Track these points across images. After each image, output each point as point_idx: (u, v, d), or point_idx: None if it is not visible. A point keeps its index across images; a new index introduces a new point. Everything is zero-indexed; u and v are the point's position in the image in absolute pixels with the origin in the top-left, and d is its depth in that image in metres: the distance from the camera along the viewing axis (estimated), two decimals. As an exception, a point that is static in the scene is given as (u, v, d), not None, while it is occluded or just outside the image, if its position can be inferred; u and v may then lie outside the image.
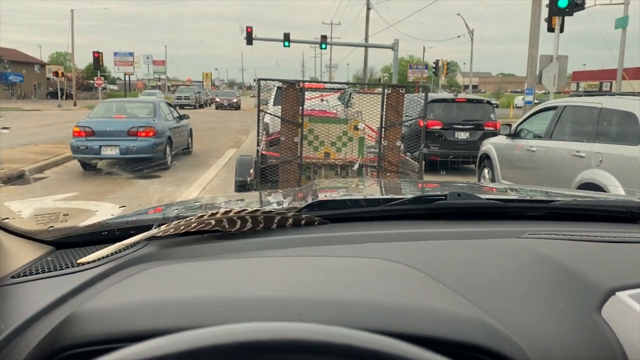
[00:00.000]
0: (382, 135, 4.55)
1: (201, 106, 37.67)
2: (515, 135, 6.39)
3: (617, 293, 0.70)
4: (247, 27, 21.27)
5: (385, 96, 4.54)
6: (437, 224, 1.07)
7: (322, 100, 5.24)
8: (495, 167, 6.75)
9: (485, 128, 9.98)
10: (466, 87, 59.11)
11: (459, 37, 33.15)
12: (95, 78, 32.49)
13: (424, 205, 1.13)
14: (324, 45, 23.17)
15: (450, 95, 10.89)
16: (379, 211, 1.13)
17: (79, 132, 8.64)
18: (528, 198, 1.49)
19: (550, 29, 12.56)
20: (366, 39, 29.46)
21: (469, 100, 10.50)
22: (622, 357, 0.62)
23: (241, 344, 0.37)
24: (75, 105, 31.12)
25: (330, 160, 4.70)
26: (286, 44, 21.86)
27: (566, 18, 12.34)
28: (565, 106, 5.49)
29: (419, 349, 0.40)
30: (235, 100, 34.89)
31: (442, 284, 0.73)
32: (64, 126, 11.39)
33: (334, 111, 5.11)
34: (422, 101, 5.50)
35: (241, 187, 5.05)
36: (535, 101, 13.95)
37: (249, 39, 21.60)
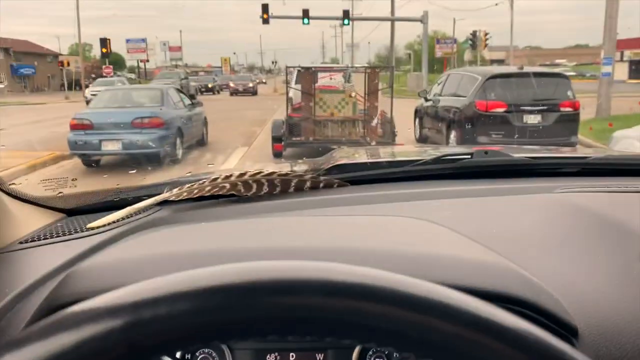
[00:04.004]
0: (366, 99, 7.33)
1: (207, 91, 33.90)
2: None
3: None
4: (262, 4, 19.37)
5: (367, 74, 7.35)
6: (462, 183, 1.00)
7: (330, 78, 7.60)
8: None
9: (562, 109, 7.97)
10: (493, 61, 56.09)
11: (497, 5, 30.22)
12: (104, 66, 30.23)
13: (450, 165, 1.09)
14: (346, 21, 21.15)
15: (513, 68, 8.77)
16: (401, 172, 1.08)
17: (77, 124, 7.31)
18: (559, 155, 1.42)
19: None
20: (392, 12, 27.06)
21: (540, 74, 8.48)
22: None
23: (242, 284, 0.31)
24: (84, 96, 29.09)
25: (334, 117, 7.25)
26: (305, 21, 19.92)
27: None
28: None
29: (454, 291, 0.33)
30: (251, 85, 32.11)
31: (468, 238, 0.68)
32: (55, 122, 9.58)
33: (337, 85, 7.45)
34: (479, 77, 8.24)
35: (276, 139, 7.35)
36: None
37: (266, 18, 19.72)
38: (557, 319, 0.53)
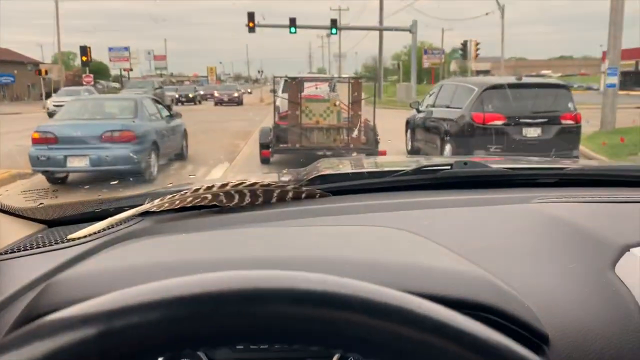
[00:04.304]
0: (350, 108, 7.59)
1: (187, 102, 30.95)
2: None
3: (631, 249, 0.66)
4: (248, 13, 18.90)
5: (350, 84, 7.65)
6: (442, 193, 1.03)
7: (316, 88, 7.95)
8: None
9: (563, 122, 7.55)
10: (479, 72, 56.37)
11: (487, 14, 29.83)
12: (84, 75, 28.84)
13: (430, 175, 1.10)
14: (334, 30, 20.82)
15: (511, 79, 8.28)
16: (382, 182, 1.09)
17: (40, 138, 6.58)
18: (537, 166, 1.42)
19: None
20: (380, 21, 26.76)
21: (539, 85, 8.09)
22: (637, 312, 0.58)
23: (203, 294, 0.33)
24: (45, 108, 27.50)
25: (319, 125, 7.53)
26: (292, 29, 19.51)
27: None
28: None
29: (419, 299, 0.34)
30: (236, 94, 30.58)
31: (444, 247, 0.69)
32: (23, 134, 8.74)
33: (322, 95, 7.80)
34: (476, 89, 7.87)
35: (264, 146, 7.56)
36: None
37: (252, 26, 19.24)
38: (528, 326, 0.53)
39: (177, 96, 31.49)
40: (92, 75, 28.65)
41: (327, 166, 1.42)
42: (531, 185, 1.10)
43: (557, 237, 0.75)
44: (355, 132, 7.61)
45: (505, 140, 7.28)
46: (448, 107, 8.36)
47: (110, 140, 6.58)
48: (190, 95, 32.73)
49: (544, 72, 62.98)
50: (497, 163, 1.28)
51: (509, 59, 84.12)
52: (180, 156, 8.67)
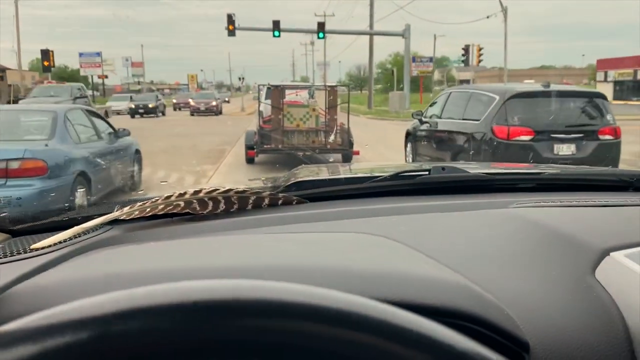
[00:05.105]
0: (326, 113, 8.57)
1: (147, 113, 25.42)
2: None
3: (611, 253, 0.65)
4: (228, 15, 17.50)
5: (327, 92, 8.72)
6: (420, 199, 1.02)
7: (296, 95, 8.92)
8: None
9: (601, 137, 6.31)
10: (462, 81, 55.98)
11: (488, 17, 28.50)
12: (45, 82, 25.11)
13: (407, 181, 1.11)
14: (321, 34, 19.52)
15: (537, 86, 6.95)
16: (359, 188, 1.08)
17: None
18: (515, 171, 1.44)
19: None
20: (371, 25, 25.27)
21: (572, 94, 6.78)
22: (618, 318, 0.57)
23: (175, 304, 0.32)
24: None
25: (299, 128, 8.56)
26: (276, 33, 18.18)
27: None
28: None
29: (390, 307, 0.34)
30: (214, 103, 27.18)
31: (422, 253, 0.68)
32: None
33: (302, 101, 8.80)
34: (497, 97, 6.51)
35: (249, 147, 8.68)
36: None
37: (232, 29, 17.84)
38: (508, 334, 0.52)
39: (132, 107, 25.70)
40: (53, 81, 24.87)
41: (306, 174, 1.41)
42: (509, 190, 1.09)
43: (537, 242, 0.74)
44: (332, 133, 8.55)
45: (532, 159, 5.99)
46: (460, 118, 7.12)
47: (3, 174, 4.46)
48: (151, 106, 26.00)
49: (526, 81, 62.94)
50: (475, 168, 1.27)
51: (491, 68, 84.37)
52: (131, 186, 6.69)
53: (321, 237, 0.78)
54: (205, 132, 14.69)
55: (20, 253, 0.81)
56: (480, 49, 27.96)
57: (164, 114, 27.15)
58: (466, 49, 27.45)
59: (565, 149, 6.22)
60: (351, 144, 8.68)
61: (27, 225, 0.96)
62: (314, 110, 8.56)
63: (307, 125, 8.54)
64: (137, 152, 6.99)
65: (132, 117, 24.61)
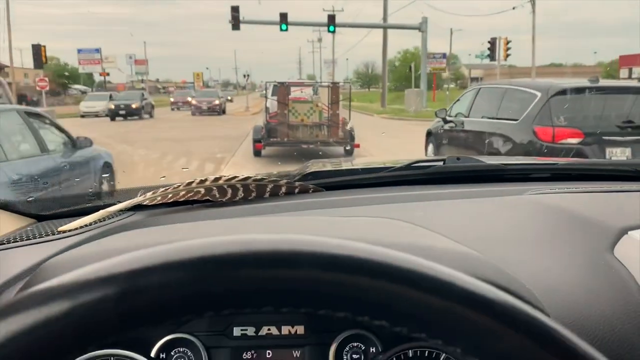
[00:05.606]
0: (329, 108, 9.11)
1: (130, 115, 21.34)
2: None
3: (629, 232, 0.67)
4: (232, 7, 16.71)
5: (329, 89, 9.34)
6: (435, 187, 1.04)
7: (301, 91, 9.54)
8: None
9: (660, 139, 5.48)
10: (473, 79, 55.07)
11: (514, 9, 27.31)
12: (37, 79, 22.95)
13: (422, 171, 1.11)
14: (332, 28, 18.70)
15: (583, 81, 6.08)
16: (374, 178, 1.10)
17: None
18: (530, 162, 1.45)
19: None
20: (385, 18, 24.02)
21: (625, 89, 5.96)
22: (638, 294, 0.59)
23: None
24: None
25: (304, 122, 9.05)
26: (283, 26, 17.41)
27: None
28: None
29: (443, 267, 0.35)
30: (217, 102, 24.35)
31: (440, 234, 0.70)
32: None
33: (306, 97, 9.33)
34: (538, 94, 5.67)
35: (257, 140, 9.01)
36: None
37: (236, 23, 17.06)
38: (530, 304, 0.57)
39: (111, 107, 21.41)
40: (46, 79, 22.66)
41: (319, 166, 1.43)
42: (524, 180, 1.10)
43: (555, 224, 0.76)
44: (335, 128, 9.15)
45: (581, 163, 5.20)
46: (493, 117, 6.31)
47: None
48: (134, 106, 21.41)
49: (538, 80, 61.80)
50: (491, 159, 1.30)
51: (500, 66, 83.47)
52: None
53: (342, 220, 0.80)
54: (205, 135, 12.98)
55: (49, 235, 0.86)
56: (507, 42, 26.66)
57: (151, 116, 23.25)
58: (492, 42, 26.07)
59: (619, 153, 5.38)
60: (352, 138, 9.13)
61: (53, 211, 0.99)
62: (317, 106, 9.12)
63: (311, 120, 9.10)
64: (107, 165, 5.30)
65: (112, 119, 21.05)
